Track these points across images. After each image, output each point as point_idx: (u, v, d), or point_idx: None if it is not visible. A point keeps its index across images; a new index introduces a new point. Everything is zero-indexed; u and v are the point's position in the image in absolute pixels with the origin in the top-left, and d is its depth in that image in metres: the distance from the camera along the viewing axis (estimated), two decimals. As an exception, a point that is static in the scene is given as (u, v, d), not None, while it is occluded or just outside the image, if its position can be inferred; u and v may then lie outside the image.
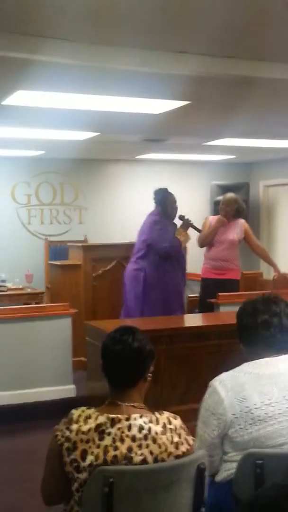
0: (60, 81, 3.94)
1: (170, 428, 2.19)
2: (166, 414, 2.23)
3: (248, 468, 2.26)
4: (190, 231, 6.31)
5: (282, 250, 9.28)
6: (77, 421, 2.15)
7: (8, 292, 7.21)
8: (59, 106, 4.69)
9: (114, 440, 2.11)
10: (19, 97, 4.34)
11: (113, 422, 2.13)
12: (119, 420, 2.14)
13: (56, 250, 8.35)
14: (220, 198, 7.02)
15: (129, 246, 6.58)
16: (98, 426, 2.13)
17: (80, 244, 7.20)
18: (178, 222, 6.33)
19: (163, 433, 2.16)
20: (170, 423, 2.20)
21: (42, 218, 8.85)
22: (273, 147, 7.54)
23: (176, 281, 6.20)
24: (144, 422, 2.15)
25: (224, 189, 8.71)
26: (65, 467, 2.13)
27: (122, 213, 9.00)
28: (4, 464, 4.38)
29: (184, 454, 2.18)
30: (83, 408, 2.21)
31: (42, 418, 4.79)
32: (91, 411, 2.19)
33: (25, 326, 5.40)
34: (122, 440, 2.11)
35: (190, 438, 2.25)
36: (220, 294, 5.88)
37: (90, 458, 2.09)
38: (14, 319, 5.37)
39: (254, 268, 8.79)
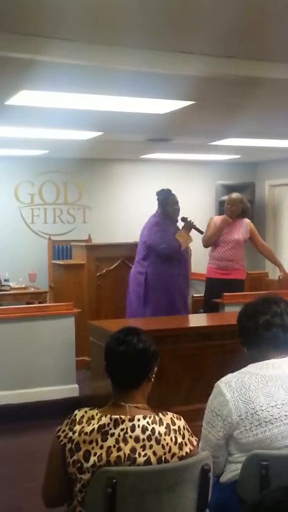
0: (63, 81, 3.93)
1: (174, 429, 2.17)
2: (169, 414, 2.21)
3: (253, 469, 2.25)
4: (193, 233, 6.29)
5: None
6: (80, 422, 2.14)
7: (11, 292, 7.20)
8: (63, 106, 4.68)
9: (117, 441, 2.10)
10: (23, 97, 4.33)
11: (116, 422, 2.12)
12: (123, 421, 2.12)
13: (60, 249, 8.35)
14: (225, 198, 7.00)
15: (133, 246, 6.57)
16: (101, 427, 2.11)
17: (83, 244, 7.20)
18: (181, 223, 6.32)
19: (167, 433, 2.15)
20: (173, 423, 2.19)
21: (46, 217, 8.85)
22: (278, 146, 7.53)
23: (178, 282, 6.18)
24: (148, 423, 2.14)
25: (229, 189, 8.70)
26: (67, 468, 2.12)
27: (126, 213, 8.99)
28: (5, 463, 4.37)
29: (187, 455, 2.17)
30: (86, 408, 2.20)
31: (45, 418, 4.79)
32: (94, 412, 2.17)
33: (28, 325, 5.39)
34: (125, 441, 2.10)
35: (193, 439, 2.24)
36: (225, 294, 5.87)
37: (93, 459, 2.08)
38: (18, 319, 5.36)
39: (259, 268, 8.77)
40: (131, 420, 2.13)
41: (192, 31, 3.17)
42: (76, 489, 2.12)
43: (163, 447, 2.13)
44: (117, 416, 2.13)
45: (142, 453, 2.10)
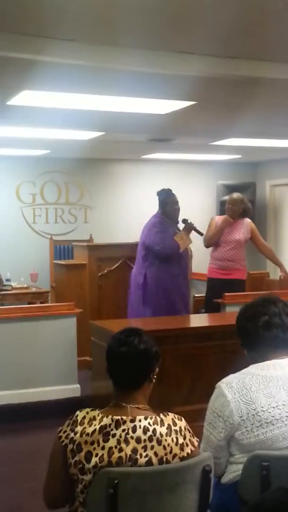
0: (64, 81, 3.94)
1: (175, 430, 2.17)
2: (171, 415, 2.21)
3: (254, 469, 2.24)
4: (193, 234, 6.28)
5: (288, 250, 9.27)
6: (81, 423, 2.14)
7: (13, 291, 7.19)
8: (64, 106, 4.68)
9: (118, 442, 2.10)
10: (25, 97, 4.34)
11: (117, 423, 2.12)
12: (124, 422, 2.12)
13: (61, 249, 8.35)
14: (226, 198, 7.00)
15: (134, 246, 6.57)
16: (103, 427, 2.11)
17: (85, 244, 7.20)
18: (182, 224, 6.31)
19: (168, 434, 2.15)
20: (175, 424, 2.18)
21: (47, 217, 8.85)
22: (279, 146, 7.52)
23: (178, 282, 6.16)
24: (149, 424, 2.14)
25: (230, 188, 8.69)
26: (69, 469, 2.12)
27: (127, 213, 8.99)
28: (6, 463, 4.37)
29: (189, 456, 2.17)
30: (87, 409, 2.20)
31: (46, 418, 4.79)
32: (96, 412, 2.17)
33: (30, 325, 5.39)
34: (126, 442, 2.10)
35: (195, 440, 2.24)
36: (226, 294, 5.87)
37: (94, 460, 2.08)
38: (19, 319, 5.36)
39: (260, 268, 8.76)
40: (133, 421, 2.13)
41: (192, 31, 3.17)
42: (78, 490, 2.12)
43: (164, 447, 2.13)
44: (119, 417, 2.13)
45: (144, 454, 2.10)
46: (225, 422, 2.33)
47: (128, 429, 2.12)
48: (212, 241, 6.35)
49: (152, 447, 2.11)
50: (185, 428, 2.21)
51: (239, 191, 7.19)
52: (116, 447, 2.09)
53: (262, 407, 2.30)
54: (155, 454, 2.11)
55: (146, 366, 2.24)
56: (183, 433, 2.19)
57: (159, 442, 2.12)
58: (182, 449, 2.16)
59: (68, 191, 8.96)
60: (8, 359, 5.29)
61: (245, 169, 9.73)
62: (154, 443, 2.12)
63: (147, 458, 2.10)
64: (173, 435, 2.16)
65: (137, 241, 6.51)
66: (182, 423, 2.21)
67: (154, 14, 2.87)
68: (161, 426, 2.15)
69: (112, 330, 4.21)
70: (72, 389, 5.45)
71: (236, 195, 6.47)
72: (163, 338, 4.44)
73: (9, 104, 4.55)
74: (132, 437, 2.11)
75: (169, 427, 2.16)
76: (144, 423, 2.13)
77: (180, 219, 6.31)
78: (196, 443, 2.24)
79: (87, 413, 2.17)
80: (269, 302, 2.51)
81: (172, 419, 2.20)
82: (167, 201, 6.24)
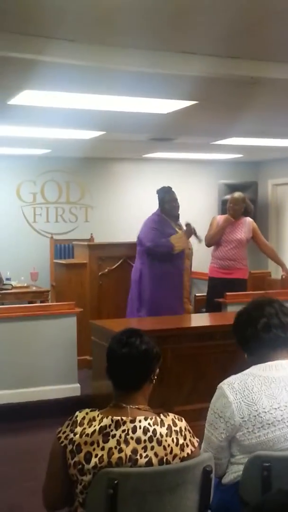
0: (65, 81, 3.94)
1: (175, 430, 2.17)
2: (171, 416, 2.21)
3: (255, 470, 2.24)
4: (193, 238, 6.27)
5: (290, 249, 9.26)
6: (81, 424, 2.14)
7: (13, 291, 7.20)
8: (65, 106, 4.69)
9: (118, 442, 2.09)
10: (26, 97, 4.34)
11: (117, 424, 2.12)
12: (124, 422, 2.12)
13: (62, 248, 8.34)
14: (227, 197, 6.99)
15: (135, 245, 6.55)
16: (103, 428, 2.11)
17: (86, 243, 7.19)
18: (182, 222, 6.30)
19: (168, 435, 2.14)
20: (175, 425, 2.18)
21: (48, 216, 8.85)
22: (280, 146, 7.52)
23: (173, 281, 6.13)
24: (149, 424, 2.13)
25: (232, 188, 8.69)
26: (68, 470, 2.12)
27: (128, 212, 8.98)
28: (6, 463, 4.37)
29: (189, 456, 2.17)
30: (87, 410, 2.19)
31: (46, 417, 4.79)
32: (95, 413, 2.17)
33: (30, 324, 5.39)
34: (126, 442, 2.10)
35: (195, 440, 2.23)
36: (227, 293, 5.86)
37: (94, 460, 2.07)
38: (19, 318, 5.36)
39: (262, 267, 8.75)
40: (133, 421, 2.13)
41: (193, 31, 3.17)
42: (77, 490, 2.11)
43: (164, 448, 2.12)
44: (119, 418, 2.13)
45: (144, 454, 2.10)
46: (226, 423, 2.32)
47: (128, 429, 2.11)
48: (214, 240, 6.34)
49: (152, 448, 2.11)
50: (185, 429, 2.20)
51: (240, 190, 7.18)
52: (116, 447, 2.08)
53: (264, 408, 2.30)
54: (155, 454, 2.11)
55: (147, 367, 2.24)
56: (183, 434, 2.18)
57: (159, 443, 2.12)
58: (182, 449, 2.16)
59: (68, 190, 8.96)
60: (8, 358, 5.29)
61: (247, 168, 9.72)
62: (154, 443, 2.12)
63: (147, 459, 2.09)
64: (174, 436, 2.15)
65: (137, 241, 6.50)
66: (182, 424, 2.21)
67: (154, 14, 2.87)
68: (161, 427, 2.15)
69: (112, 330, 4.21)
70: (72, 389, 5.44)
71: (237, 194, 6.47)
72: (164, 338, 4.45)
73: (10, 103, 4.55)
74: (132, 438, 2.10)
75: (169, 428, 2.16)
76: (144, 423, 2.13)
77: (181, 219, 6.30)
78: (196, 444, 2.23)
79: (87, 413, 2.17)
80: (264, 304, 2.50)
81: (172, 419, 2.19)
82: (166, 198, 6.23)
